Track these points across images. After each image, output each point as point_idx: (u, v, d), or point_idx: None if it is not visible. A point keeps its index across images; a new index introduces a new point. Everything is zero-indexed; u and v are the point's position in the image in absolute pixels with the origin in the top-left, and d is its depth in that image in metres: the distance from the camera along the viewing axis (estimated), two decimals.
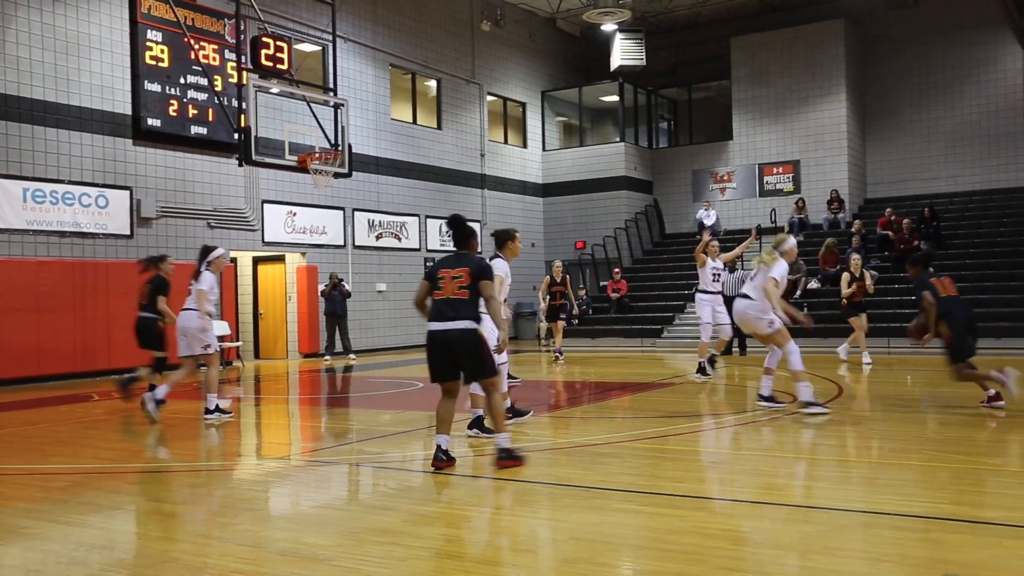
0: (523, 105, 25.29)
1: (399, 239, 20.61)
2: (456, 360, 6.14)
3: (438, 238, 21.75)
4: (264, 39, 14.28)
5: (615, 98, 25.47)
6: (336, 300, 17.55)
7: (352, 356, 17.66)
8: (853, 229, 20.51)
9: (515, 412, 8.37)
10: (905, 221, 19.92)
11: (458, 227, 6.39)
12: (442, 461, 6.19)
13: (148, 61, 15.63)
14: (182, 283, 10.04)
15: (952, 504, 4.94)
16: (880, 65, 23.91)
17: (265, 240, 17.84)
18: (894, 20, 23.60)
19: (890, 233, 20.01)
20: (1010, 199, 21.63)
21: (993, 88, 22.52)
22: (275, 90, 15.49)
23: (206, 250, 9.47)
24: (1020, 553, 4.02)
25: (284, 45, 14.76)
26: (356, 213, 19.76)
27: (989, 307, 17.17)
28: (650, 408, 9.88)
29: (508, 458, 6.22)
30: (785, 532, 4.53)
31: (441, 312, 6.10)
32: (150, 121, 15.63)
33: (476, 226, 23.03)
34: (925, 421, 8.65)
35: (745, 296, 8.86)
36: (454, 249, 6.44)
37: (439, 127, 22.39)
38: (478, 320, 6.16)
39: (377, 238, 20.19)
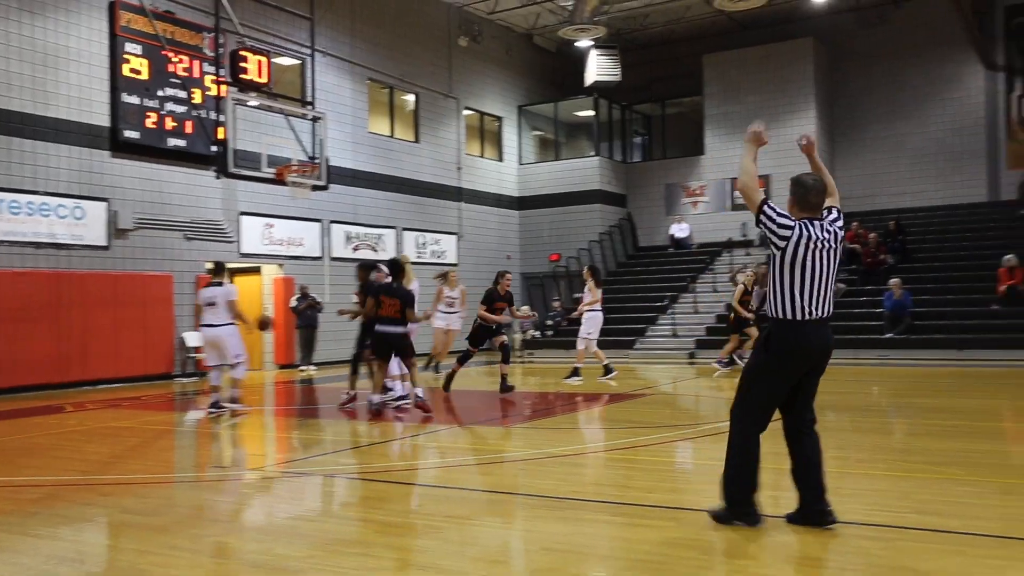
0: (500, 119, 25.33)
1: (376, 251, 20.54)
2: (392, 348, 9.95)
3: (415, 250, 21.69)
4: (243, 53, 14.24)
5: (590, 113, 25.58)
6: (310, 315, 17.67)
7: (312, 368, 17.61)
8: None
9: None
10: (872, 235, 20.13)
11: (397, 266, 10.14)
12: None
13: (127, 73, 15.49)
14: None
15: (916, 513, 4.98)
16: (849, 82, 24.17)
17: (242, 252, 17.71)
18: (862, 39, 23.87)
19: (858, 247, 20.20)
20: (972, 214, 21.90)
21: (957, 106, 22.83)
22: (253, 103, 15.45)
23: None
24: (982, 562, 4.05)
25: (263, 59, 14.74)
26: (333, 225, 19.68)
27: (952, 319, 17.37)
28: (622, 419, 9.89)
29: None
30: (753, 542, 4.54)
31: (383, 322, 9.87)
32: (128, 133, 15.49)
33: (454, 239, 23.11)
34: (891, 431, 8.73)
35: None
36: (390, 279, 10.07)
37: (416, 140, 22.37)
38: (405, 326, 9.92)
39: (354, 250, 20.11)
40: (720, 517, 4.73)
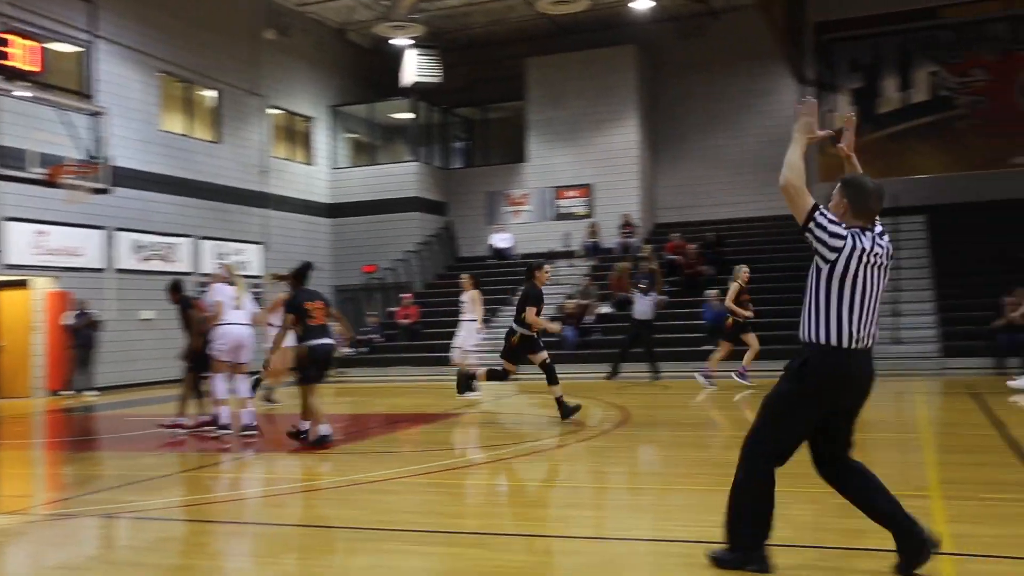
0: (310, 120, 24.91)
1: (169, 262, 19.64)
2: (328, 365, 9.09)
3: (215, 261, 20.90)
4: (7, 36, 13.30)
5: (409, 115, 25.61)
6: (87, 334, 16.79)
7: (91, 392, 16.73)
8: (642, 254, 21.63)
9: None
10: (692, 246, 21.23)
11: (307, 268, 9.20)
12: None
13: None
14: None
15: (714, 527, 5.26)
16: (670, 91, 25.41)
17: (7, 263, 16.45)
18: (682, 49, 25.13)
19: (678, 258, 21.26)
20: (786, 226, 23.45)
21: (771, 118, 24.47)
22: (21, 94, 14.43)
23: None
24: (782, 572, 4.33)
25: (33, 44, 13.83)
26: (119, 233, 18.65)
27: (767, 330, 18.54)
28: (436, 441, 9.92)
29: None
30: (566, 565, 4.66)
31: (319, 334, 8.80)
32: None
33: (258, 248, 22.44)
34: (710, 445, 9.22)
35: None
36: (305, 287, 9.12)
37: (217, 141, 21.61)
38: None
39: (144, 260, 19.16)
40: (725, 561, 4.31)
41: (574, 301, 20.29)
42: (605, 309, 20.42)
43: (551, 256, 23.59)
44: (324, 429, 8.87)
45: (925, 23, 23.23)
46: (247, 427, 9.57)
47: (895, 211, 22.43)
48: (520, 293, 10.59)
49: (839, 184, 4.29)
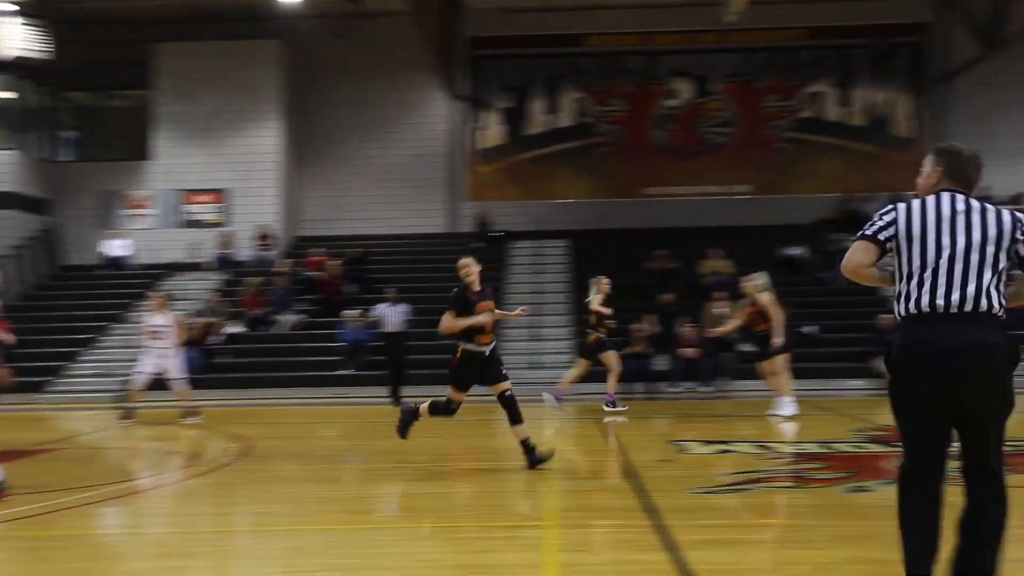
0: None
1: None
2: None
3: None
4: None
5: (7, 94, 23.59)
6: None
7: None
8: (280, 268, 21.45)
9: None
10: (333, 262, 21.37)
11: None
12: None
13: None
14: None
15: (330, 570, 5.36)
16: (319, 94, 25.40)
17: None
18: (333, 50, 25.20)
19: (319, 274, 21.29)
20: (432, 244, 24.44)
21: (422, 132, 25.39)
22: None
23: None
24: None
25: None
26: None
27: (413, 354, 19.13)
28: (21, 484, 9.12)
29: None
30: None
31: None
32: None
33: None
34: (341, 478, 9.30)
35: None
36: None
37: None
38: None
39: None
40: None
41: (200, 319, 19.61)
42: (235, 329, 19.96)
43: (175, 268, 22.76)
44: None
45: (571, 49, 25.34)
46: None
47: (539, 234, 24.19)
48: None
49: (933, 152, 4.09)
